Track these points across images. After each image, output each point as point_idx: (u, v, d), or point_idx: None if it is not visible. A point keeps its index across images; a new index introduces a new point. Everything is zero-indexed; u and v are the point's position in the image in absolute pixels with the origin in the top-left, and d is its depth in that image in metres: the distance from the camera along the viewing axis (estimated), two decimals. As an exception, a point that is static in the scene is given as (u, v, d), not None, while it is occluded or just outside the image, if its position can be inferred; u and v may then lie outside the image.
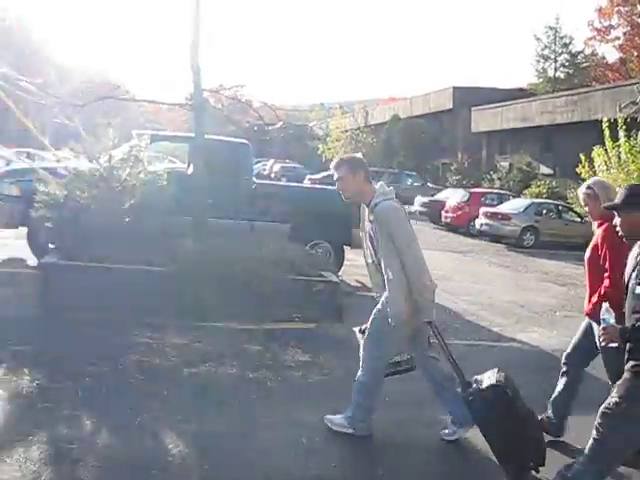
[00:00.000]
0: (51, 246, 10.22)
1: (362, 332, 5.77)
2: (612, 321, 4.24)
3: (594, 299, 5.42)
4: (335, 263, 11.70)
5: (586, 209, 5.74)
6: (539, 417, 5.69)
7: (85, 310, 7.79)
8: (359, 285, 12.01)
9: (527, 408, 5.22)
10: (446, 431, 5.66)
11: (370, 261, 5.57)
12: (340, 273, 11.51)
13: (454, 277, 14.04)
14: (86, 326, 7.55)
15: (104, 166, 9.37)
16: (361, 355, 5.57)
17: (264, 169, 43.17)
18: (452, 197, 27.85)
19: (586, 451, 4.38)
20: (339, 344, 7.67)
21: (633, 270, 4.33)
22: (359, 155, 5.89)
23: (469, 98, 43.20)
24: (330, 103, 54.19)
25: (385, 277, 5.33)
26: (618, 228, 4.45)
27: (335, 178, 5.51)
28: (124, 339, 7.32)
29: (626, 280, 4.40)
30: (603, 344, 4.37)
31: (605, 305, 4.33)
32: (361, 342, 5.70)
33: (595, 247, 5.47)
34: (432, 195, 31.67)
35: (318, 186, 19.17)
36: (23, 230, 11.71)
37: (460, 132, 45.17)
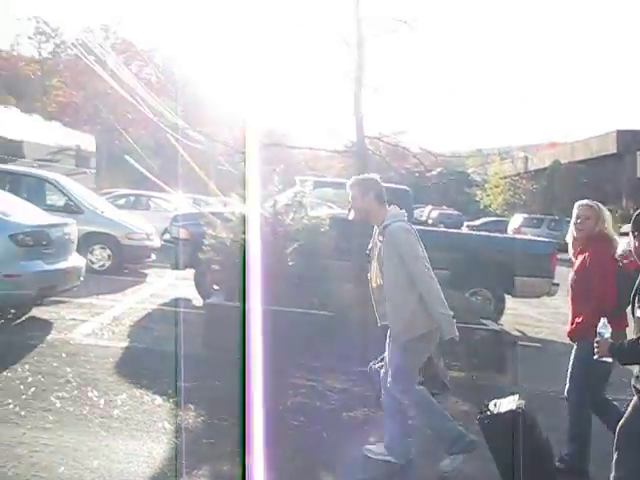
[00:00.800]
0: (216, 287, 10.60)
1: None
2: (607, 336, 4.31)
3: (578, 320, 5.58)
4: (495, 311, 11.48)
5: (580, 223, 5.71)
6: None
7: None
8: (520, 334, 11.72)
9: (544, 439, 5.15)
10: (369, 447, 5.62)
11: (375, 285, 5.57)
12: (501, 321, 11.28)
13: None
14: (249, 366, 7.75)
15: (269, 211, 9.65)
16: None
17: (421, 215, 43.11)
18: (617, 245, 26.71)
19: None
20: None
21: (635, 294, 4.31)
22: (373, 176, 5.89)
23: (634, 142, 41.50)
24: (488, 149, 53.50)
25: (386, 297, 5.38)
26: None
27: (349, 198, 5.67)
28: (285, 381, 7.45)
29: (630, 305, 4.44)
30: (595, 357, 4.42)
31: (603, 320, 4.39)
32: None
33: (582, 269, 5.60)
34: (595, 243, 30.46)
35: (477, 233, 18.95)
36: (190, 271, 12.25)
37: (625, 177, 43.41)
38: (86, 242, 13.87)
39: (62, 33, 54.46)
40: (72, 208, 15.11)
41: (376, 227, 5.59)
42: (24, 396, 6.49)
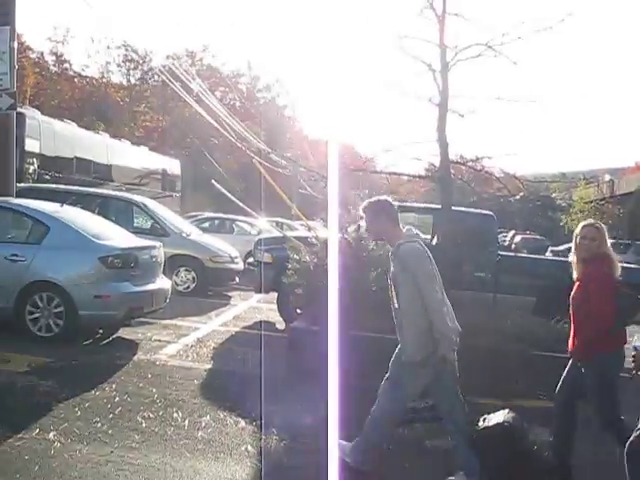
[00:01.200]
0: (299, 311, 10.64)
1: None
2: None
3: (579, 339, 5.75)
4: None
5: (587, 243, 5.80)
6: None
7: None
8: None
9: (535, 453, 5.27)
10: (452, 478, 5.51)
11: (396, 306, 5.57)
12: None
13: None
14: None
15: (352, 236, 9.64)
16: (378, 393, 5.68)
17: (504, 240, 42.44)
18: None
19: None
20: (585, 426, 7.27)
21: None
22: (384, 197, 5.93)
23: None
24: (572, 172, 52.55)
25: (400, 316, 5.45)
26: None
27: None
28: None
29: None
30: (634, 371, 4.52)
31: (637, 335, 4.56)
32: None
33: (584, 288, 5.76)
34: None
35: (563, 259, 18.55)
36: (274, 295, 12.33)
37: None
38: (172, 264, 14.11)
39: (150, 60, 56.06)
40: (158, 231, 15.42)
41: (390, 247, 5.70)
42: (111, 415, 6.63)
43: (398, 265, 5.47)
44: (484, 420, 5.33)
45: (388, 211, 5.67)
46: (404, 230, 5.67)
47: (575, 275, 6.01)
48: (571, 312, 5.96)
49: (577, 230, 5.99)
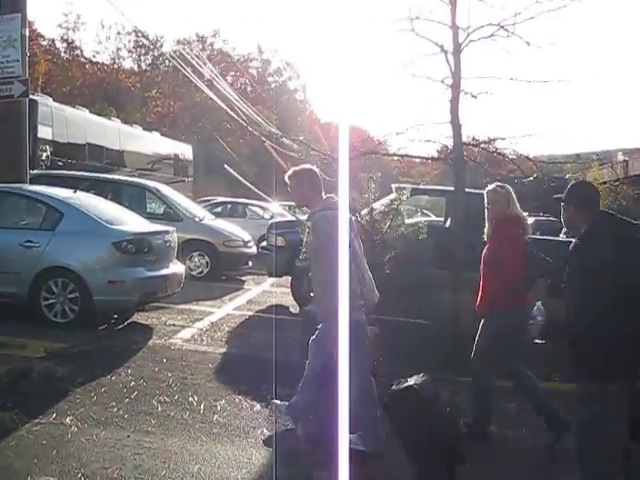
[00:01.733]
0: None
1: None
2: (539, 318, 4.49)
3: (487, 295, 6.12)
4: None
5: (490, 207, 6.29)
6: None
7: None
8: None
9: (447, 417, 5.38)
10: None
11: (310, 272, 5.94)
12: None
13: None
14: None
15: (366, 219, 9.63)
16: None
17: (517, 222, 42.19)
18: None
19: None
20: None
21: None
22: (308, 166, 6.24)
23: None
24: (586, 153, 52.19)
25: (313, 280, 5.82)
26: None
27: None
28: (382, 389, 7.39)
29: None
30: (535, 340, 4.70)
31: (537, 304, 4.68)
32: None
33: (494, 248, 6.15)
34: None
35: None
36: (287, 279, 12.35)
37: None
38: (185, 249, 14.12)
39: (160, 46, 56.04)
40: (171, 216, 15.43)
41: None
42: (127, 399, 6.67)
43: (310, 232, 5.77)
44: (398, 383, 5.41)
45: (311, 179, 5.90)
46: (324, 198, 5.83)
47: (485, 236, 6.36)
48: (481, 272, 6.24)
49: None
